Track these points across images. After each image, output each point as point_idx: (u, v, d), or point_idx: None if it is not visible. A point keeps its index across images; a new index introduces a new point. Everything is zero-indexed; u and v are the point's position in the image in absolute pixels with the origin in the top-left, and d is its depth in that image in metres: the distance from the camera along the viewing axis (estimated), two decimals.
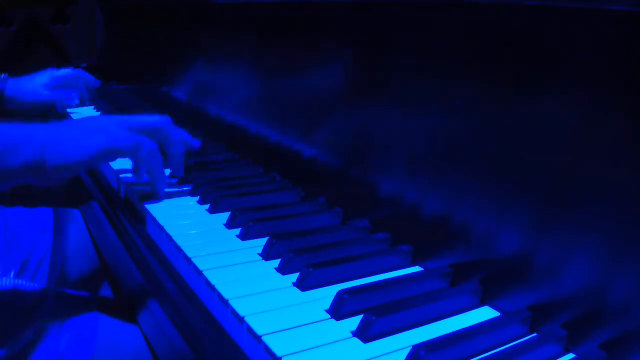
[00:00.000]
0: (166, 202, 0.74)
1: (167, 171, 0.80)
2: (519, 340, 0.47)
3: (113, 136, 0.68)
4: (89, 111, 1.35)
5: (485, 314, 0.52)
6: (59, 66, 1.34)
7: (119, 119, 0.72)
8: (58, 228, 0.95)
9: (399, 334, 0.47)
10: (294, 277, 0.55)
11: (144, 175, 0.73)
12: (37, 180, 0.66)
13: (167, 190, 0.76)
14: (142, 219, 0.72)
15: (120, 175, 0.83)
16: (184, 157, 0.78)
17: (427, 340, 0.44)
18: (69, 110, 1.33)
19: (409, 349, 0.43)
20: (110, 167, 0.87)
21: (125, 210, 0.77)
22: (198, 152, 0.95)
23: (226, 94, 1.06)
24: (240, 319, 0.48)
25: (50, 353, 0.68)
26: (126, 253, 0.71)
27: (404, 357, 0.43)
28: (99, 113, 1.32)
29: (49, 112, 1.31)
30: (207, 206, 0.73)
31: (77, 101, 1.35)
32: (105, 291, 0.97)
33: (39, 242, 0.91)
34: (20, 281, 0.81)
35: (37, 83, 1.26)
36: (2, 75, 1.24)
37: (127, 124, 0.71)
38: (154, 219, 0.68)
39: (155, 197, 0.73)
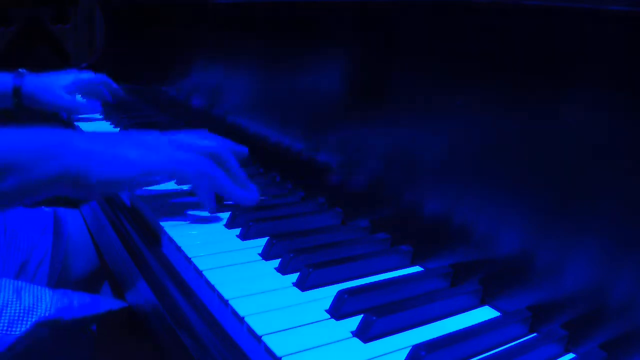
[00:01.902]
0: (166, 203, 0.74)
1: None
2: (519, 341, 0.47)
3: (177, 159, 0.63)
4: (103, 125, 1.19)
5: (485, 314, 0.52)
6: (61, 67, 1.28)
7: (182, 140, 0.65)
8: (58, 228, 0.95)
9: (399, 334, 0.47)
10: (294, 277, 0.55)
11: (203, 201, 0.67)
12: (76, 193, 0.61)
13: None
14: (157, 236, 0.67)
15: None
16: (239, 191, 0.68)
17: (427, 340, 0.44)
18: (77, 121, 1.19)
19: (409, 349, 0.43)
20: None
21: (128, 217, 0.77)
22: None
23: (226, 94, 1.06)
24: (241, 319, 0.48)
25: (50, 353, 0.68)
26: (126, 253, 0.71)
27: (404, 357, 0.43)
28: (114, 127, 1.17)
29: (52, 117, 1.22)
30: None
31: (99, 114, 1.21)
32: (105, 291, 0.97)
33: (39, 242, 0.91)
34: (20, 281, 0.81)
35: (59, 84, 1.13)
36: (21, 70, 1.13)
37: (192, 147, 0.65)
38: (153, 219, 0.68)
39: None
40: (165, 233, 0.64)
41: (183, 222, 0.67)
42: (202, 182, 0.65)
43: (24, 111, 1.13)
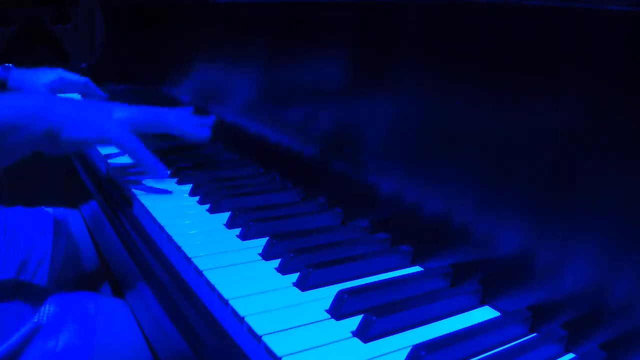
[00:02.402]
0: (166, 202, 0.74)
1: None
2: (519, 340, 0.47)
3: (117, 132, 0.74)
4: None
5: (485, 314, 0.52)
6: (64, 66, 1.27)
7: (126, 114, 0.76)
8: (58, 228, 0.95)
9: (399, 334, 0.47)
10: (294, 277, 0.55)
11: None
12: (48, 149, 0.73)
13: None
14: (130, 203, 0.76)
15: (109, 161, 0.88)
16: (195, 132, 0.82)
17: (427, 340, 0.44)
18: None
19: (409, 349, 0.43)
20: (99, 152, 0.92)
21: (121, 206, 0.78)
22: (198, 152, 0.95)
23: (226, 94, 1.06)
24: (241, 319, 0.48)
25: (49, 350, 0.68)
26: (126, 253, 0.71)
27: (404, 357, 0.43)
28: None
29: None
30: (207, 206, 0.73)
31: None
32: (105, 291, 0.97)
33: (39, 242, 0.91)
34: (20, 281, 0.81)
35: (42, 81, 1.17)
36: (8, 65, 1.17)
37: (131, 120, 0.76)
38: (153, 219, 0.68)
39: (156, 175, 0.77)
40: (166, 232, 0.64)
41: (184, 222, 0.67)
42: (131, 155, 0.76)
43: None
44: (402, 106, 0.66)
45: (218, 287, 0.52)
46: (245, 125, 0.98)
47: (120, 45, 1.65)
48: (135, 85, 1.52)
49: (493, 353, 0.45)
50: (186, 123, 0.82)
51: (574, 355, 0.46)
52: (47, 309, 0.71)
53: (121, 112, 0.77)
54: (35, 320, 0.69)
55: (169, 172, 0.79)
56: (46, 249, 0.91)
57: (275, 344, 0.44)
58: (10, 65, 1.17)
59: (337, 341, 0.46)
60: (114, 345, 0.71)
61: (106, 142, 0.76)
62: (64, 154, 0.77)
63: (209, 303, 0.54)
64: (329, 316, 0.49)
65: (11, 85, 1.14)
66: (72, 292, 0.76)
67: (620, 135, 0.45)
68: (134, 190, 0.77)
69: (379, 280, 0.55)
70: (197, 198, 0.75)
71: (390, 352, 0.45)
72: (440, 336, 0.45)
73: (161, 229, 0.66)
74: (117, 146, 0.75)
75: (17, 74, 1.16)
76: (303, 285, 0.53)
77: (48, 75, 1.19)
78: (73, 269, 0.94)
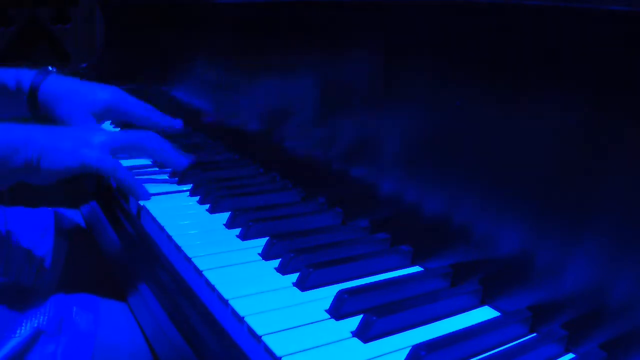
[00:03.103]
0: (166, 202, 0.74)
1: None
2: (519, 341, 0.47)
3: (96, 157, 0.74)
4: None
5: (485, 314, 0.52)
6: (64, 66, 1.08)
7: (104, 138, 0.76)
8: (58, 228, 0.95)
9: (399, 334, 0.47)
10: (294, 277, 0.55)
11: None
12: (31, 179, 0.72)
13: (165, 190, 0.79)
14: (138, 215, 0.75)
15: None
16: (174, 159, 0.82)
17: (427, 340, 0.44)
18: None
19: (409, 349, 0.43)
20: None
21: (122, 207, 0.78)
22: (198, 152, 0.95)
23: (226, 94, 1.06)
24: (240, 319, 0.48)
25: (50, 353, 0.68)
26: (126, 253, 0.71)
27: (404, 357, 0.43)
28: None
29: None
30: (207, 206, 0.73)
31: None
32: (106, 292, 0.97)
33: (39, 243, 0.91)
34: (20, 284, 0.81)
35: (87, 106, 0.91)
36: (50, 69, 0.92)
37: (110, 144, 0.76)
38: (154, 219, 0.68)
39: (139, 198, 0.76)
40: (166, 232, 0.64)
41: (184, 222, 0.67)
42: (115, 177, 0.76)
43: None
44: (402, 106, 0.66)
45: (218, 287, 0.52)
46: (246, 125, 0.98)
47: (120, 45, 1.65)
48: (135, 85, 1.52)
49: (493, 353, 0.45)
50: (167, 149, 0.82)
51: (574, 355, 0.46)
52: (48, 313, 0.71)
53: (100, 137, 0.76)
54: (36, 324, 0.69)
55: (151, 195, 0.77)
56: (46, 250, 0.91)
57: (275, 344, 0.44)
58: (53, 69, 0.94)
59: (337, 341, 0.46)
60: (114, 348, 0.71)
61: (88, 170, 0.74)
62: (49, 183, 0.75)
63: (209, 303, 0.54)
64: (329, 316, 0.49)
65: (42, 98, 0.90)
66: (72, 294, 0.76)
67: (620, 135, 0.45)
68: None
69: (379, 280, 0.55)
70: (197, 198, 0.75)
71: (390, 352, 0.45)
72: (440, 336, 0.45)
73: (161, 229, 0.66)
74: (98, 172, 0.74)
75: (54, 83, 0.91)
76: (303, 285, 0.53)
77: (100, 96, 0.93)
78: (73, 270, 0.94)
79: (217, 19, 1.11)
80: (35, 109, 0.92)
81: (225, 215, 0.69)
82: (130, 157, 0.84)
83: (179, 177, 0.82)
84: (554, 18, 0.49)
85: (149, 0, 1.42)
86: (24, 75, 0.92)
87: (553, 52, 0.50)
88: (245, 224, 0.64)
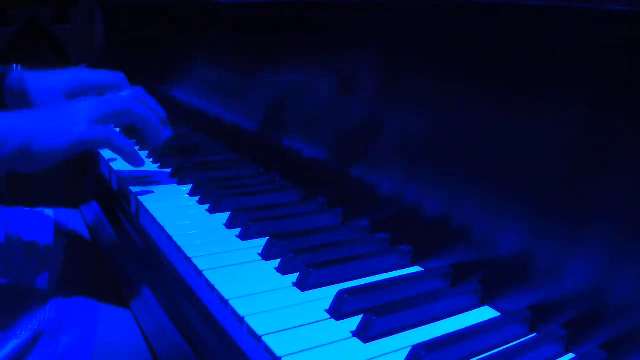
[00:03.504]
0: (166, 202, 0.74)
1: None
2: (519, 341, 0.47)
3: (87, 131, 0.72)
4: None
5: (485, 314, 0.52)
6: (64, 66, 1.10)
7: (89, 109, 0.74)
8: (58, 228, 0.95)
9: (399, 334, 0.47)
10: (294, 277, 0.55)
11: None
12: (23, 167, 0.71)
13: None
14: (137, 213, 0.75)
15: (113, 167, 0.87)
16: (158, 128, 0.81)
17: (427, 340, 0.44)
18: None
19: (409, 349, 0.43)
20: (103, 157, 0.92)
21: (122, 207, 0.78)
22: (198, 152, 0.95)
23: (226, 94, 1.06)
24: (240, 319, 0.48)
25: (50, 354, 0.68)
26: (126, 253, 0.71)
27: (404, 357, 0.43)
28: None
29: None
30: (207, 206, 0.73)
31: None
32: (106, 291, 0.96)
33: (39, 243, 0.91)
34: (20, 282, 0.81)
35: (57, 87, 0.95)
36: (14, 66, 0.98)
37: (97, 112, 0.74)
38: (154, 219, 0.68)
39: (136, 164, 0.78)
40: (166, 232, 0.64)
41: (184, 222, 0.67)
42: (110, 145, 0.74)
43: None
44: (402, 106, 0.66)
45: (218, 287, 0.52)
46: (246, 125, 0.98)
47: (120, 45, 1.65)
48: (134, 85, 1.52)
49: (493, 353, 0.45)
50: (152, 116, 0.80)
51: (574, 355, 0.46)
52: (48, 313, 0.71)
53: (85, 109, 0.74)
54: (36, 325, 0.69)
55: (145, 162, 0.79)
56: (46, 250, 0.91)
57: (275, 344, 0.44)
58: (18, 67, 1.00)
59: (337, 341, 0.46)
60: (114, 348, 0.71)
61: (82, 146, 0.72)
62: (45, 168, 0.73)
63: (209, 303, 0.54)
64: (329, 316, 0.49)
65: (9, 87, 0.95)
66: (72, 295, 0.76)
67: (620, 135, 0.45)
68: (133, 189, 0.77)
69: (379, 280, 0.55)
70: (197, 198, 0.75)
71: (390, 352, 0.45)
72: (440, 336, 0.45)
73: (161, 229, 0.66)
74: (94, 144, 0.73)
75: (19, 73, 0.97)
76: (303, 285, 0.53)
77: (60, 77, 0.98)
78: (73, 270, 0.93)
79: (217, 19, 1.11)
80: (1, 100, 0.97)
81: (225, 215, 0.69)
82: (116, 125, 0.83)
83: (157, 155, 0.85)
84: (554, 18, 0.49)
85: (149, 0, 1.42)
86: None
87: (553, 52, 0.50)
88: (245, 224, 0.64)
